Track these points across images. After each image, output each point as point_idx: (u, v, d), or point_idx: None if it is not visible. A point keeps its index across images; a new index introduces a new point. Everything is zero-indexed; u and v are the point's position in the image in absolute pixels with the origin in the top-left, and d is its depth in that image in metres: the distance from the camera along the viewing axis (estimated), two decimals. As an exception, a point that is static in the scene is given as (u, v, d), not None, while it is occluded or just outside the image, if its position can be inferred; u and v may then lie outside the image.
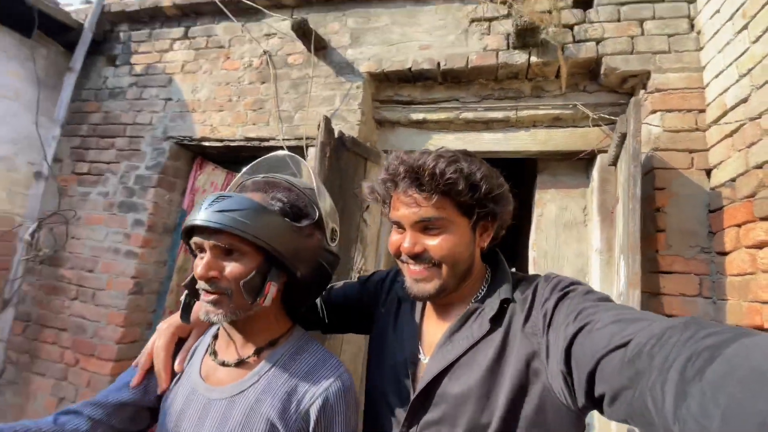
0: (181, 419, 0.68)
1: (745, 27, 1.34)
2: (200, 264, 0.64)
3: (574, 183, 1.92)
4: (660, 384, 0.34)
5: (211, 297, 0.64)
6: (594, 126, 1.76)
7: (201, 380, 0.70)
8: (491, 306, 0.65)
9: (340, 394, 0.66)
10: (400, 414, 0.66)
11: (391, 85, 2.02)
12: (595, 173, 1.79)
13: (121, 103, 2.38)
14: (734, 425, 0.26)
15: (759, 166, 1.24)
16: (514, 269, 1.03)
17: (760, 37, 1.27)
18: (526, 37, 1.71)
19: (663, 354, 0.36)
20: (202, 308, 0.67)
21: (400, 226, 0.68)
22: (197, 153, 2.32)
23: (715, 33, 1.50)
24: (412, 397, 0.65)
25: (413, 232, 0.66)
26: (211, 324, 0.74)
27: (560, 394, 0.54)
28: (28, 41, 2.34)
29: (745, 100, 1.32)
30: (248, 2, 2.17)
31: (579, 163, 1.88)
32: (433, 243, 0.65)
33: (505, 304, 0.65)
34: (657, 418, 0.34)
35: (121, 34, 2.52)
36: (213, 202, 0.64)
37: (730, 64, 1.40)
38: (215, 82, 2.20)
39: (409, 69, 1.89)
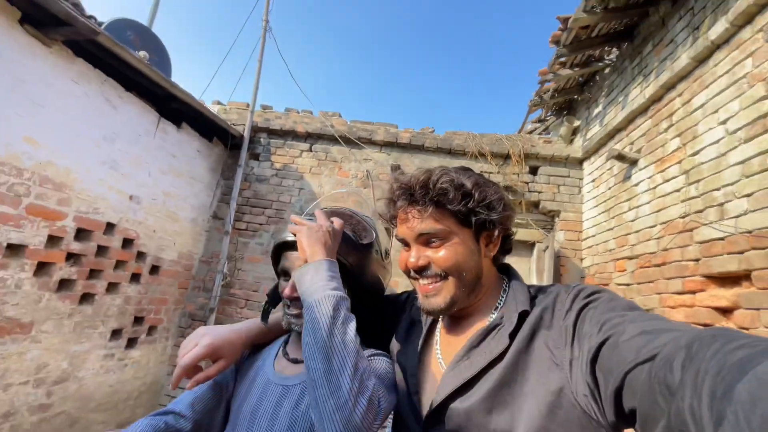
0: (258, 406, 0.76)
1: (596, 206, 3.29)
2: (287, 285, 0.77)
3: (525, 255, 3.80)
4: (696, 404, 0.32)
5: (295, 311, 0.78)
6: (536, 229, 3.65)
7: (276, 374, 0.80)
8: (510, 320, 0.63)
9: (385, 371, 0.74)
10: (416, 428, 0.64)
11: (437, 198, 3.77)
12: (535, 252, 3.67)
13: (266, 186, 3.85)
14: None
15: (596, 264, 3.16)
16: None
17: (601, 213, 3.21)
18: (506, 189, 3.57)
19: (693, 370, 0.34)
20: (284, 319, 0.81)
21: (405, 243, 0.71)
22: (316, 221, 3.85)
23: (586, 202, 3.46)
24: (425, 411, 0.64)
25: (417, 246, 0.68)
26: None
27: (588, 409, 0.51)
28: (209, 143, 3.72)
29: (594, 236, 3.26)
30: (353, 139, 3.80)
31: (528, 246, 3.76)
32: (437, 255, 0.66)
33: (523, 316, 0.62)
34: None
35: (262, 140, 3.98)
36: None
37: (591, 218, 3.35)
38: (333, 183, 3.78)
39: (449, 192, 3.66)
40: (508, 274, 0.75)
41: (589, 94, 3.56)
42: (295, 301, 0.77)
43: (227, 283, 3.60)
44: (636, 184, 2.66)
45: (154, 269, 3.20)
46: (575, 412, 0.52)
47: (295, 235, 0.75)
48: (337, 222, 0.78)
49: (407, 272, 0.70)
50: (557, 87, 3.63)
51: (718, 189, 1.90)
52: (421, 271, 0.68)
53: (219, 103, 4.30)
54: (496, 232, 0.69)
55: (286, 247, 0.81)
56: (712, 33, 2.03)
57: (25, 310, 2.22)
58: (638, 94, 2.71)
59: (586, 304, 0.57)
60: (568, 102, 3.94)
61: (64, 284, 2.45)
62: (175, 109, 3.15)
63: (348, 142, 3.84)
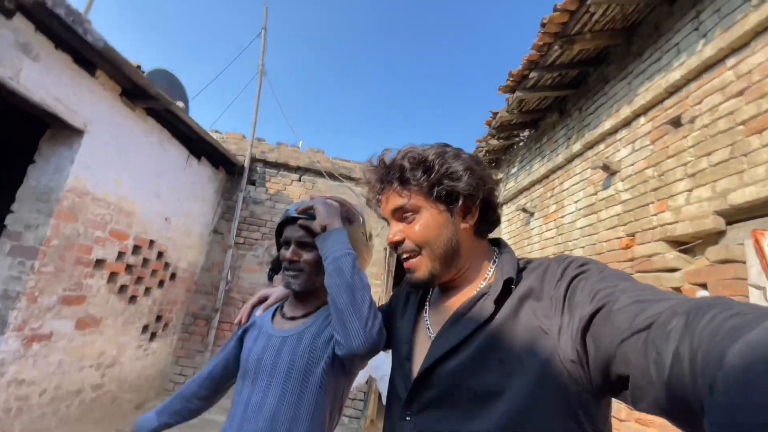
0: (262, 355, 0.95)
1: (509, 239, 4.67)
2: (288, 251, 0.97)
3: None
4: (693, 371, 0.33)
5: (293, 273, 0.97)
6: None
7: (276, 329, 0.99)
8: (496, 287, 0.63)
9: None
10: (404, 394, 0.66)
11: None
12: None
13: (261, 208, 4.67)
14: (761, 414, 0.25)
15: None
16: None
17: (512, 245, 4.59)
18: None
19: (689, 338, 0.35)
20: (283, 279, 0.99)
21: (388, 222, 0.74)
22: (301, 239, 4.76)
23: (503, 235, 4.85)
24: (413, 377, 0.65)
25: (393, 222, 0.72)
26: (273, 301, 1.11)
27: (575, 374, 0.51)
28: (216, 170, 4.46)
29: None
30: (336, 174, 4.80)
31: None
32: (410, 230, 0.69)
33: (509, 284, 0.63)
34: (698, 409, 0.32)
35: (258, 169, 4.80)
36: (300, 206, 0.96)
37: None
38: (318, 209, 4.73)
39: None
40: (499, 246, 0.75)
41: (510, 157, 4.99)
42: (294, 263, 0.97)
43: (228, 288, 4.37)
44: (532, 229, 4.06)
45: (173, 276, 3.90)
46: (562, 378, 0.52)
47: (311, 209, 0.94)
48: (338, 203, 1.00)
49: (392, 249, 0.72)
50: (488, 149, 4.99)
51: (571, 241, 3.29)
52: (398, 246, 0.70)
53: (216, 131, 5.00)
54: (461, 202, 0.68)
55: (289, 221, 1.00)
56: (574, 147, 3.44)
57: (99, 309, 2.90)
58: (537, 168, 4.12)
59: (577, 274, 0.57)
60: (496, 159, 5.34)
61: (122, 289, 3.14)
62: (200, 147, 3.90)
63: (331, 176, 4.83)
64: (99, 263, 2.82)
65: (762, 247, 1.73)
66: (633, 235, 2.58)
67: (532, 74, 3.37)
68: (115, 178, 2.82)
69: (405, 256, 0.71)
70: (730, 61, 2.08)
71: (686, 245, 2.21)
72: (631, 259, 2.56)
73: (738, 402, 0.27)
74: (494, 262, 0.72)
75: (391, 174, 0.70)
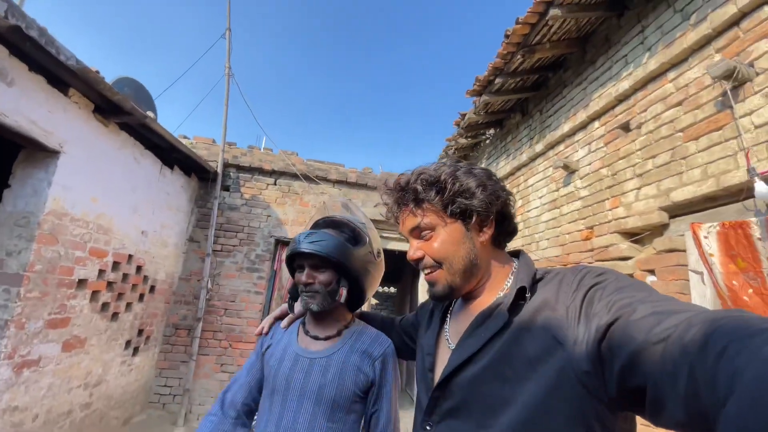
0: (292, 374, 0.97)
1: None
2: (303, 274, 1.02)
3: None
4: (710, 383, 0.33)
5: (310, 293, 1.01)
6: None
7: (303, 349, 1.03)
8: (510, 296, 0.64)
9: (393, 352, 1.04)
10: (425, 403, 0.68)
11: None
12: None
13: (237, 214, 4.65)
14: None
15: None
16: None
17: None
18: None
19: (704, 355, 0.35)
20: (302, 301, 1.03)
21: (409, 241, 0.77)
22: (280, 242, 4.79)
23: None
24: (433, 387, 0.67)
25: (412, 240, 0.74)
26: (295, 318, 1.13)
27: (589, 385, 0.51)
28: (188, 178, 4.39)
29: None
30: (312, 177, 4.86)
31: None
32: (429, 247, 0.71)
33: (522, 292, 0.64)
34: (714, 423, 0.32)
35: (232, 174, 4.75)
36: (307, 236, 1.01)
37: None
38: (296, 211, 4.77)
39: (384, 220, 5.00)
40: (519, 257, 0.77)
41: (477, 154, 5.26)
42: (309, 285, 1.01)
43: (209, 297, 4.35)
44: (502, 222, 4.35)
45: (152, 289, 3.84)
46: (575, 388, 0.52)
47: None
48: (345, 223, 1.12)
49: (414, 265, 0.74)
50: (457, 147, 5.24)
51: (536, 233, 3.60)
52: (418, 262, 0.73)
53: (185, 137, 4.89)
54: (476, 218, 0.69)
55: (297, 256, 1.04)
56: (537, 147, 3.73)
57: (83, 329, 2.85)
58: (503, 166, 4.40)
59: (594, 284, 0.57)
60: (464, 156, 5.60)
61: (104, 306, 3.08)
62: (173, 157, 3.83)
63: (307, 178, 4.89)
64: (81, 283, 2.76)
65: (699, 238, 2.05)
66: (592, 227, 2.89)
67: (497, 80, 3.60)
68: (92, 196, 2.76)
69: (426, 271, 0.73)
70: (671, 75, 2.38)
71: (637, 236, 2.53)
72: (591, 250, 2.87)
73: (751, 416, 0.27)
74: (513, 272, 0.73)
75: (406, 196, 0.73)
